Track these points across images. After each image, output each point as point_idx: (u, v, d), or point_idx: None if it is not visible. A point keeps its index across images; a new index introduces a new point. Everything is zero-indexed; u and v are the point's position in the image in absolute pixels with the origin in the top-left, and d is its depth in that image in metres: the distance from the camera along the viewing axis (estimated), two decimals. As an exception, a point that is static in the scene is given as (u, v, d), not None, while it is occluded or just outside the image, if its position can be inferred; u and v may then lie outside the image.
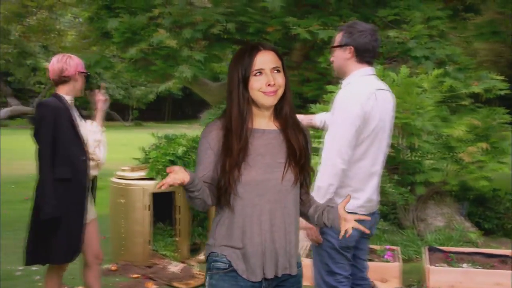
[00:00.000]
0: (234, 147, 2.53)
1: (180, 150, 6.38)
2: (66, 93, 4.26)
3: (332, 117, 3.52)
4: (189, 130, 29.40)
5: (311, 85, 9.14)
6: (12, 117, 34.47)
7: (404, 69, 7.10)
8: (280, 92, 2.58)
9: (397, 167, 7.52)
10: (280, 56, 2.61)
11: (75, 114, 4.28)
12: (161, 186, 2.30)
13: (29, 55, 30.95)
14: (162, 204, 6.56)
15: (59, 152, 4.09)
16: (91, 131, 4.37)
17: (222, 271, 2.60)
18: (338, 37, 3.67)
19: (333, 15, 8.47)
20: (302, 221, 3.58)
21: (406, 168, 7.42)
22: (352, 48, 3.56)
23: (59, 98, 4.22)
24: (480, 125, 7.23)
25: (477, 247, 6.84)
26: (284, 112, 2.64)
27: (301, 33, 7.64)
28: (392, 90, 6.67)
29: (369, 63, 3.63)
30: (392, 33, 8.20)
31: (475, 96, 8.00)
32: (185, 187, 2.42)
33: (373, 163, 3.59)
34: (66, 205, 4.09)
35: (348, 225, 2.64)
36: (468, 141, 7.23)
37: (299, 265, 2.75)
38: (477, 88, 7.58)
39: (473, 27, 10.52)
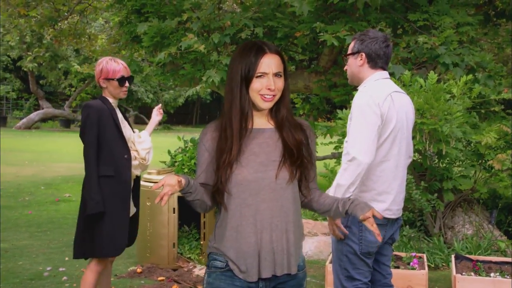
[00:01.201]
0: (227, 147, 2.54)
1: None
2: (107, 96, 4.45)
3: (352, 120, 3.51)
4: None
5: (338, 90, 9.09)
6: (44, 119, 34.84)
7: (432, 75, 7.03)
8: (277, 97, 2.58)
9: (424, 174, 7.46)
10: (284, 60, 2.62)
11: (119, 115, 4.46)
12: (161, 200, 2.37)
13: (61, 59, 31.27)
14: (188, 208, 6.53)
15: (103, 151, 4.27)
16: (139, 142, 4.61)
17: (219, 270, 2.61)
18: (351, 46, 3.76)
19: (360, 20, 8.42)
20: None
21: (433, 174, 7.35)
22: (364, 54, 3.64)
23: (103, 100, 4.40)
24: (510, 132, 7.12)
25: (506, 256, 6.74)
26: (281, 115, 2.64)
27: (328, 39, 7.59)
28: (420, 96, 6.70)
29: (383, 68, 3.69)
30: (421, 38, 8.13)
31: (506, 103, 7.91)
32: (181, 191, 2.47)
33: (396, 164, 3.59)
34: (110, 201, 4.25)
35: (372, 221, 2.61)
36: (498, 148, 7.14)
37: (301, 267, 2.71)
38: (507, 95, 7.49)
39: (505, 33, 10.39)
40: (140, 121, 36.94)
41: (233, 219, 2.57)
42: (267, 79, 2.53)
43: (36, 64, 29.54)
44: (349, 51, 3.75)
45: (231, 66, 2.61)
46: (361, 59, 3.65)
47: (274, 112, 2.65)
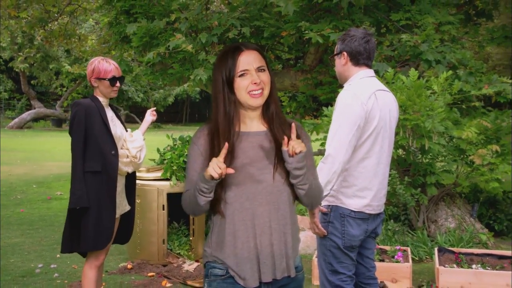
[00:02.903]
0: (217, 153, 2.42)
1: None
2: (98, 95, 4.45)
3: (334, 116, 3.52)
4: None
5: (324, 88, 9.10)
6: (36, 119, 34.70)
7: (413, 72, 7.05)
8: (266, 92, 2.48)
9: (408, 169, 7.48)
10: (264, 55, 2.52)
11: (109, 113, 4.47)
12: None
13: (52, 59, 31.14)
14: (177, 204, 6.53)
15: (90, 147, 4.26)
16: (131, 141, 4.63)
17: (220, 278, 2.52)
18: (336, 47, 3.78)
19: (345, 19, 8.43)
20: (316, 214, 3.58)
21: (417, 169, 7.37)
22: (346, 53, 3.65)
23: (93, 99, 4.42)
24: (490, 127, 7.15)
25: (487, 248, 6.78)
26: (271, 111, 2.54)
27: (313, 37, 7.60)
28: (402, 93, 6.72)
29: (366, 65, 3.69)
30: (404, 36, 8.16)
31: (485, 99, 7.94)
32: (209, 183, 2.36)
33: (378, 161, 3.59)
34: (97, 196, 4.24)
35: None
36: (478, 144, 7.16)
37: (299, 269, 2.64)
38: (487, 91, 7.51)
39: (485, 32, 10.42)
40: (130, 120, 36.82)
41: (231, 225, 2.47)
42: (251, 75, 2.44)
43: (27, 65, 29.40)
44: (334, 52, 3.76)
45: (213, 73, 2.55)
46: (344, 58, 3.66)
47: (265, 110, 2.56)
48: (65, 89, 34.66)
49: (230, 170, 2.34)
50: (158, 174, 6.35)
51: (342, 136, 3.44)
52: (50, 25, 13.68)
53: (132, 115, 36.88)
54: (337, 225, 3.59)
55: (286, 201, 2.53)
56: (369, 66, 3.70)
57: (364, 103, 3.46)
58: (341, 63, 3.69)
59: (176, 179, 6.28)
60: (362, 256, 3.84)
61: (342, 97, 3.54)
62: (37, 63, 30.57)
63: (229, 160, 2.42)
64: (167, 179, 6.32)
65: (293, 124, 2.43)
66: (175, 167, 6.28)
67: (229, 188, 2.46)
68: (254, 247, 2.47)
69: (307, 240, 6.88)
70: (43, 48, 22.06)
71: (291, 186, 2.53)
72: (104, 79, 4.39)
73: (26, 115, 33.40)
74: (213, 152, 2.45)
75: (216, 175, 2.29)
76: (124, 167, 4.50)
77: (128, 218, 4.67)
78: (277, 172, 2.48)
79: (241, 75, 2.45)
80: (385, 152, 3.64)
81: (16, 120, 33.23)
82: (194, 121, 42.96)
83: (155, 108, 5.22)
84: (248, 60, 2.45)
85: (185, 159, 6.33)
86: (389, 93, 3.76)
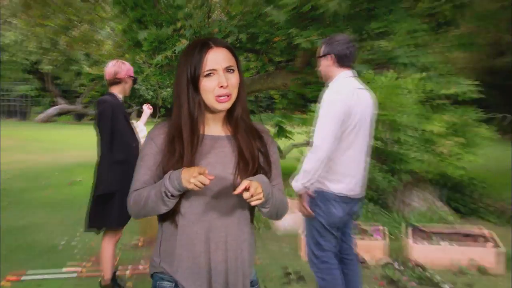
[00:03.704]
0: (176, 157, 1.94)
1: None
2: (118, 92, 4.39)
3: (320, 112, 3.49)
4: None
5: (312, 87, 9.06)
6: (60, 114, 34.58)
7: (391, 74, 7.04)
8: (234, 96, 1.97)
9: (385, 158, 7.46)
10: (234, 53, 1.99)
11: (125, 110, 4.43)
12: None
13: (74, 62, 31.02)
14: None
15: (116, 140, 4.21)
16: (139, 131, 4.58)
17: None
18: (321, 49, 3.73)
19: (330, 27, 8.38)
20: (304, 198, 3.56)
21: (392, 159, 7.35)
22: (332, 55, 3.61)
23: (113, 96, 4.35)
24: (457, 121, 7.14)
25: (450, 225, 6.76)
26: (236, 114, 2.02)
27: (301, 43, 7.56)
28: (380, 92, 6.69)
29: (349, 66, 3.65)
30: (381, 42, 8.13)
31: (452, 98, 7.93)
32: (179, 192, 1.87)
33: (359, 152, 3.58)
34: (121, 182, 4.16)
35: None
36: (446, 136, 7.15)
37: (254, 283, 2.14)
38: (452, 91, 7.51)
39: (453, 39, 10.39)
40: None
41: (183, 237, 1.96)
42: (218, 76, 1.92)
43: (52, 66, 29.31)
44: (320, 54, 3.72)
45: (177, 69, 1.99)
46: (330, 60, 3.63)
47: (230, 113, 2.04)
48: (85, 87, 34.55)
49: (208, 179, 1.80)
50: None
51: (327, 129, 3.41)
52: (72, 31, 13.60)
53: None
54: (322, 207, 3.57)
55: (247, 214, 2.04)
56: (351, 67, 3.67)
57: (346, 99, 3.44)
58: (327, 64, 3.66)
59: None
60: (345, 234, 3.84)
61: (328, 95, 3.52)
62: (61, 65, 30.44)
63: (189, 166, 1.91)
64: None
65: (244, 182, 1.81)
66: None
67: (185, 196, 1.95)
68: (207, 263, 1.96)
69: (296, 220, 6.84)
70: (66, 52, 21.87)
71: None
72: (132, 77, 4.42)
73: (52, 110, 33.30)
74: (172, 155, 1.94)
75: (197, 189, 1.80)
76: None
77: None
78: (238, 182, 1.93)
79: (207, 75, 1.93)
80: (364, 143, 3.63)
81: (43, 114, 33.14)
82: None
83: (148, 104, 5.27)
84: (217, 59, 1.93)
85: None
86: (366, 91, 3.73)
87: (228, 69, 1.95)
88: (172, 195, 1.86)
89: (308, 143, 7.87)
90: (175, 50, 8.65)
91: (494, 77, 22.00)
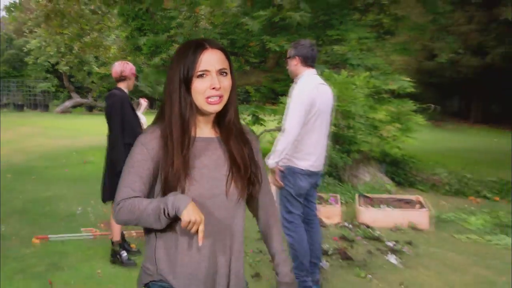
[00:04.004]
0: (169, 160, 1.54)
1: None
2: (124, 87, 4.31)
3: (290, 102, 3.49)
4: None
5: (280, 83, 9.08)
6: (74, 106, 34.03)
7: (343, 72, 7.06)
8: (225, 98, 1.57)
9: (341, 141, 7.51)
10: (228, 56, 1.60)
11: None
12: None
13: (86, 63, 30.49)
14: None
15: (126, 127, 4.12)
16: (140, 118, 4.48)
17: None
18: (289, 51, 3.72)
19: (295, 34, 8.38)
20: (277, 172, 3.57)
21: (344, 140, 7.41)
22: (298, 57, 3.61)
23: (120, 90, 4.27)
24: (395, 111, 7.20)
25: (390, 194, 6.85)
26: (228, 119, 1.63)
27: (272, 47, 7.56)
28: (335, 87, 6.67)
29: (312, 66, 3.65)
30: (335, 47, 8.16)
31: (391, 92, 7.99)
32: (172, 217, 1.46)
33: (319, 134, 3.58)
34: None
35: None
36: (387, 122, 7.22)
37: (246, 283, 1.73)
38: (392, 86, 7.57)
39: (390, 45, 10.46)
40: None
41: (184, 242, 1.56)
42: (211, 78, 1.53)
43: (68, 67, 28.79)
44: (288, 56, 3.72)
45: (169, 69, 1.60)
46: (296, 61, 3.62)
47: (221, 116, 1.63)
48: (95, 84, 34.03)
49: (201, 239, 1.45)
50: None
51: (295, 116, 3.43)
52: (84, 38, 13.35)
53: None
54: (291, 180, 3.58)
55: (242, 217, 1.66)
56: (313, 67, 3.67)
57: (311, 93, 3.45)
58: (294, 64, 3.65)
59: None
60: (308, 201, 3.83)
61: (296, 89, 3.53)
62: (75, 66, 29.92)
63: (184, 170, 1.53)
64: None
65: None
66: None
67: None
68: (210, 267, 1.59)
69: (273, 192, 6.87)
70: (79, 55, 21.47)
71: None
72: (135, 75, 4.36)
73: (68, 103, 32.71)
74: (166, 158, 1.54)
75: (185, 226, 1.43)
76: None
77: None
78: (231, 187, 1.60)
79: (200, 76, 1.54)
80: (325, 128, 3.63)
81: (60, 107, 32.53)
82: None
83: (144, 98, 5.23)
84: (210, 60, 1.54)
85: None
86: (326, 86, 3.73)
87: (222, 72, 1.56)
88: (169, 215, 1.44)
89: (278, 129, 7.89)
90: (169, 53, 8.58)
91: (427, 76, 22.23)
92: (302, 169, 3.55)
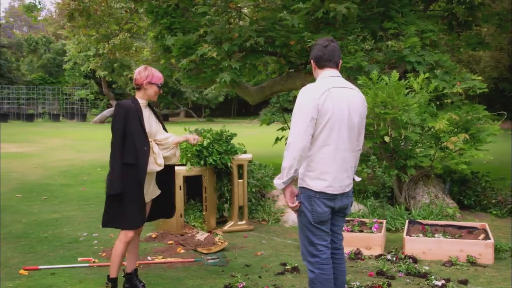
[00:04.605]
0: None
1: (205, 142, 6.22)
2: (140, 97, 4.30)
3: (293, 111, 3.39)
4: (250, 124, 29.23)
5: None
6: (114, 115, 35.20)
7: (394, 74, 6.81)
8: None
9: (392, 154, 7.25)
10: None
11: (146, 113, 4.30)
12: None
13: (127, 67, 31.42)
14: (195, 185, 6.45)
15: (127, 142, 4.12)
16: (164, 148, 4.42)
17: None
18: None
19: (340, 29, 8.21)
20: (286, 194, 3.43)
21: (399, 154, 7.15)
22: (312, 60, 3.59)
23: (134, 100, 4.27)
24: (459, 119, 6.86)
25: (454, 220, 6.50)
26: None
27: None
28: (384, 91, 6.48)
29: (329, 66, 3.53)
30: (390, 43, 7.91)
31: (462, 94, 7.65)
32: None
33: (336, 148, 3.40)
34: (129, 184, 4.10)
35: None
36: (451, 133, 6.89)
37: None
38: (459, 88, 7.23)
39: (464, 38, 10.07)
40: (189, 115, 37.01)
41: None
42: None
43: (107, 72, 29.76)
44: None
45: None
46: (312, 64, 3.59)
47: None
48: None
49: None
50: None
51: (298, 127, 3.30)
52: (113, 40, 13.73)
53: (190, 111, 37.02)
54: (306, 204, 3.44)
55: None
56: (332, 67, 3.53)
57: (316, 98, 3.31)
58: (313, 68, 3.60)
59: (191, 164, 6.18)
60: (331, 231, 3.67)
61: (299, 94, 3.42)
62: (116, 70, 30.92)
63: None
64: (183, 165, 6.22)
65: None
66: (189, 155, 6.17)
67: None
68: None
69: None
70: (112, 59, 22.08)
71: None
72: (156, 84, 4.29)
73: (106, 112, 33.89)
74: None
75: None
76: (152, 166, 4.33)
77: (167, 199, 4.59)
78: None
79: None
80: (343, 140, 3.45)
81: (98, 116, 33.76)
82: (241, 115, 42.85)
83: (198, 137, 4.77)
84: None
85: (198, 148, 6.19)
86: (350, 89, 3.56)
87: None
88: None
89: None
90: (197, 54, 8.62)
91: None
92: (317, 192, 3.41)
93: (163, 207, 4.59)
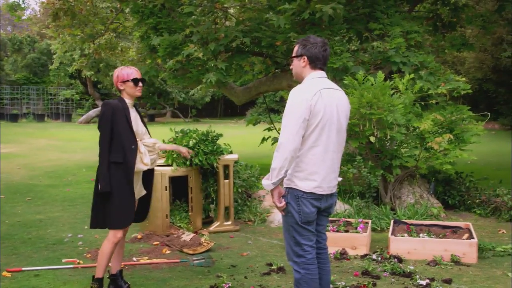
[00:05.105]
0: None
1: (191, 142, 6.21)
2: (124, 96, 4.31)
3: (285, 111, 3.37)
4: (237, 125, 29.11)
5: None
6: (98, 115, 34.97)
7: (380, 74, 6.84)
8: None
9: (378, 154, 7.28)
10: None
11: (133, 114, 4.31)
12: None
13: (112, 67, 31.26)
14: (180, 186, 6.43)
15: (115, 141, 4.13)
16: (147, 151, 4.37)
17: None
18: (295, 49, 3.58)
19: (326, 30, 8.22)
20: (274, 195, 3.42)
21: (384, 154, 7.17)
22: (306, 57, 3.47)
23: (120, 99, 4.29)
24: (443, 120, 6.90)
25: (438, 220, 6.54)
26: None
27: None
28: (369, 91, 6.49)
29: (321, 68, 3.51)
30: (375, 44, 7.94)
31: (445, 95, 7.69)
32: None
33: (325, 149, 3.41)
34: (119, 182, 4.11)
35: None
36: (436, 133, 6.93)
37: None
38: (443, 89, 7.27)
39: (448, 39, 10.12)
40: (175, 115, 36.82)
41: None
42: None
43: (92, 72, 29.57)
44: (293, 54, 3.57)
45: None
46: (303, 61, 3.48)
47: None
48: (123, 91, 34.80)
49: None
50: (162, 161, 6.22)
51: (290, 127, 3.29)
52: (98, 39, 13.64)
53: (176, 111, 36.85)
54: (293, 205, 3.44)
55: None
56: (323, 69, 3.52)
57: (308, 99, 3.30)
58: (300, 65, 3.50)
59: (177, 165, 6.15)
60: (316, 231, 3.67)
61: (291, 95, 3.39)
62: (102, 70, 30.73)
63: None
64: (168, 165, 6.20)
65: None
66: (175, 155, 6.15)
67: None
68: None
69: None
70: (96, 59, 21.95)
71: None
72: (128, 80, 4.26)
73: (91, 112, 33.64)
74: None
75: None
76: (140, 165, 4.32)
77: (145, 201, 4.53)
78: None
79: None
80: (332, 141, 3.46)
81: (84, 116, 33.51)
82: (227, 115, 42.74)
83: (192, 152, 5.03)
84: None
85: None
86: (337, 91, 3.56)
87: None
88: None
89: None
90: (183, 54, 8.59)
91: (506, 75, 21.38)
92: (306, 192, 3.41)
93: (138, 211, 4.50)
